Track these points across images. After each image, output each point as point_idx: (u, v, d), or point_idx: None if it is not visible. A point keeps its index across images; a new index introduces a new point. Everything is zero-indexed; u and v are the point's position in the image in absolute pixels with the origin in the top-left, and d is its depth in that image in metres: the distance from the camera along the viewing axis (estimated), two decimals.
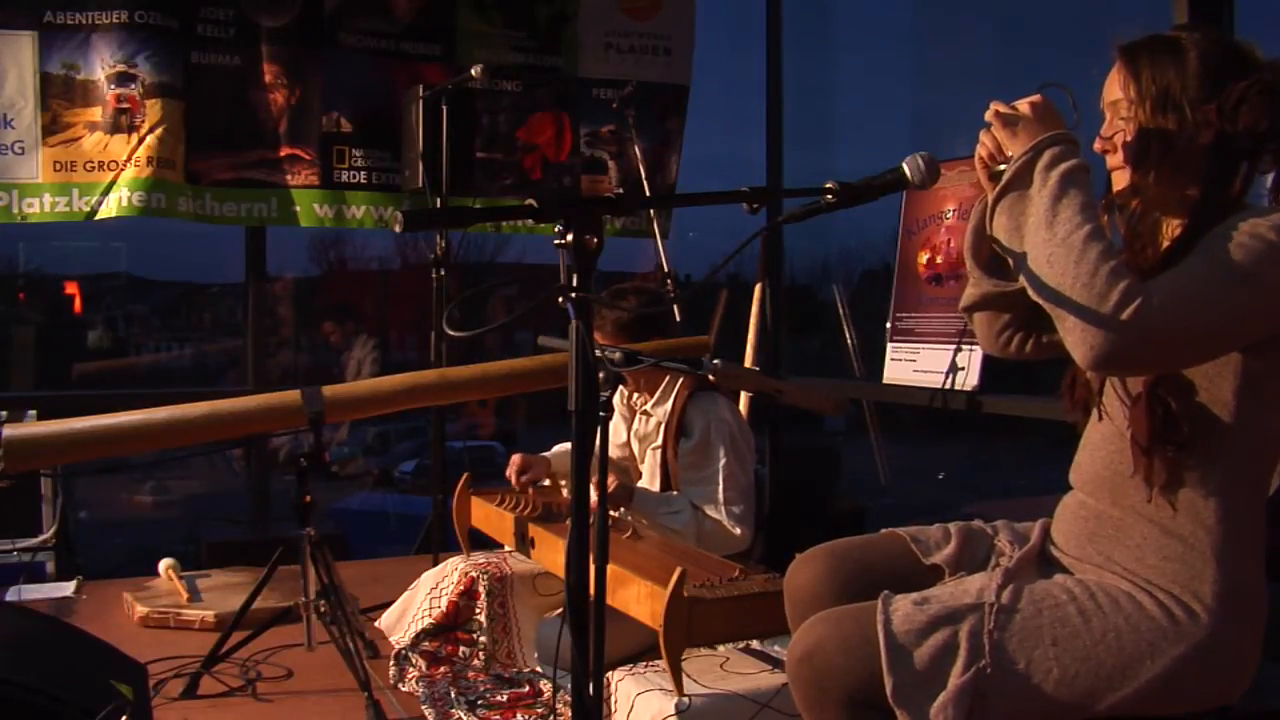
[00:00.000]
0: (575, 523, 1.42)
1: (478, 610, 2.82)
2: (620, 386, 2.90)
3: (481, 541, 3.05)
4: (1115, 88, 1.58)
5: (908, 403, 3.58)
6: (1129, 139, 1.55)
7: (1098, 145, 1.59)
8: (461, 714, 2.54)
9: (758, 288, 4.24)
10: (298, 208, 4.32)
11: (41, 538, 3.85)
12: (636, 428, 2.95)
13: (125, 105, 4.00)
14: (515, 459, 3.00)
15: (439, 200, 3.81)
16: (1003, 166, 1.59)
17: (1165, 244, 1.59)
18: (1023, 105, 1.56)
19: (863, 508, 4.86)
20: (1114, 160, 1.58)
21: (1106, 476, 1.58)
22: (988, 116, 1.59)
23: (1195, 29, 1.57)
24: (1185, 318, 1.39)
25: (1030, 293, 1.49)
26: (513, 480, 2.97)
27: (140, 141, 3.99)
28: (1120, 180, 1.59)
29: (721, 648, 2.38)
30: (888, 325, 3.65)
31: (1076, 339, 1.40)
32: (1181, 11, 2.63)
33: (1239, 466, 1.50)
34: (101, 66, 3.99)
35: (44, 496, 3.88)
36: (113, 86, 3.99)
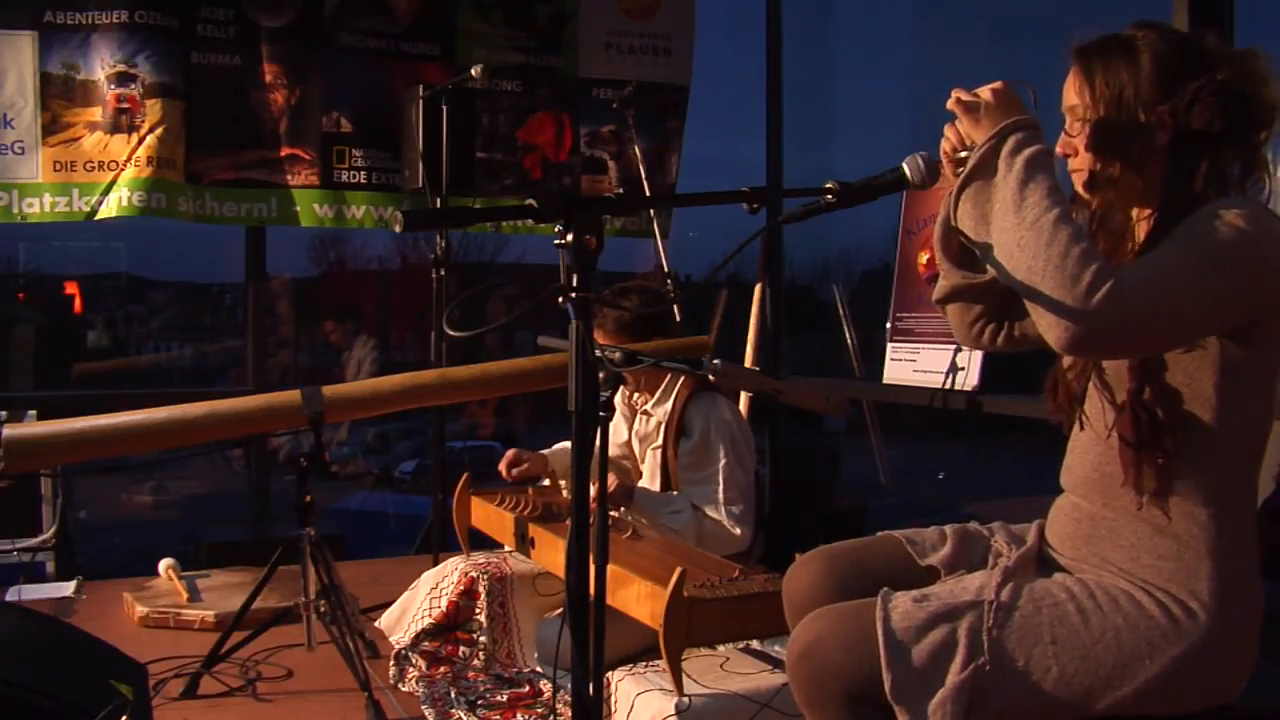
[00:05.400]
0: (575, 523, 1.42)
1: (478, 610, 2.82)
2: (621, 386, 2.90)
3: (481, 541, 3.05)
4: (1072, 92, 1.58)
5: (908, 403, 3.58)
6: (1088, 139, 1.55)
7: (1059, 149, 1.59)
8: (461, 714, 2.54)
9: (758, 288, 4.24)
10: (298, 208, 4.32)
11: (41, 538, 3.85)
12: (637, 427, 2.95)
13: (125, 105, 4.00)
14: (508, 454, 3.00)
15: (439, 200, 3.81)
16: (964, 154, 1.58)
17: (1132, 244, 1.59)
18: (984, 92, 1.55)
19: (863, 508, 4.85)
20: (1076, 164, 1.58)
21: (1096, 479, 1.58)
22: (949, 105, 1.57)
23: (1150, 27, 1.56)
24: (1158, 301, 1.39)
25: (1000, 279, 1.48)
26: (503, 473, 2.97)
27: (140, 141, 3.99)
28: (1082, 179, 1.58)
29: (721, 648, 2.38)
30: (888, 325, 3.65)
31: (1049, 323, 1.40)
32: (1182, 12, 2.62)
33: (1226, 461, 1.50)
34: (101, 66, 3.99)
35: (44, 496, 3.88)
36: (113, 86, 3.99)
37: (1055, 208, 1.42)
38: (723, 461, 2.70)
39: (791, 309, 4.94)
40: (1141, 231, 1.59)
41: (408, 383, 2.87)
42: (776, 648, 2.35)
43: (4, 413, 3.66)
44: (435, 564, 3.10)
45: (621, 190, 4.66)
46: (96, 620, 3.19)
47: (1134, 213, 1.62)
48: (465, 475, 3.10)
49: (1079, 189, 1.59)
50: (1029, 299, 1.42)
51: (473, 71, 3.56)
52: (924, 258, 3.56)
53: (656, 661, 2.22)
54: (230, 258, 4.82)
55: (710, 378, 2.44)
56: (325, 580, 2.65)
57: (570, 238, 1.40)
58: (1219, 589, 1.47)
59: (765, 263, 4.34)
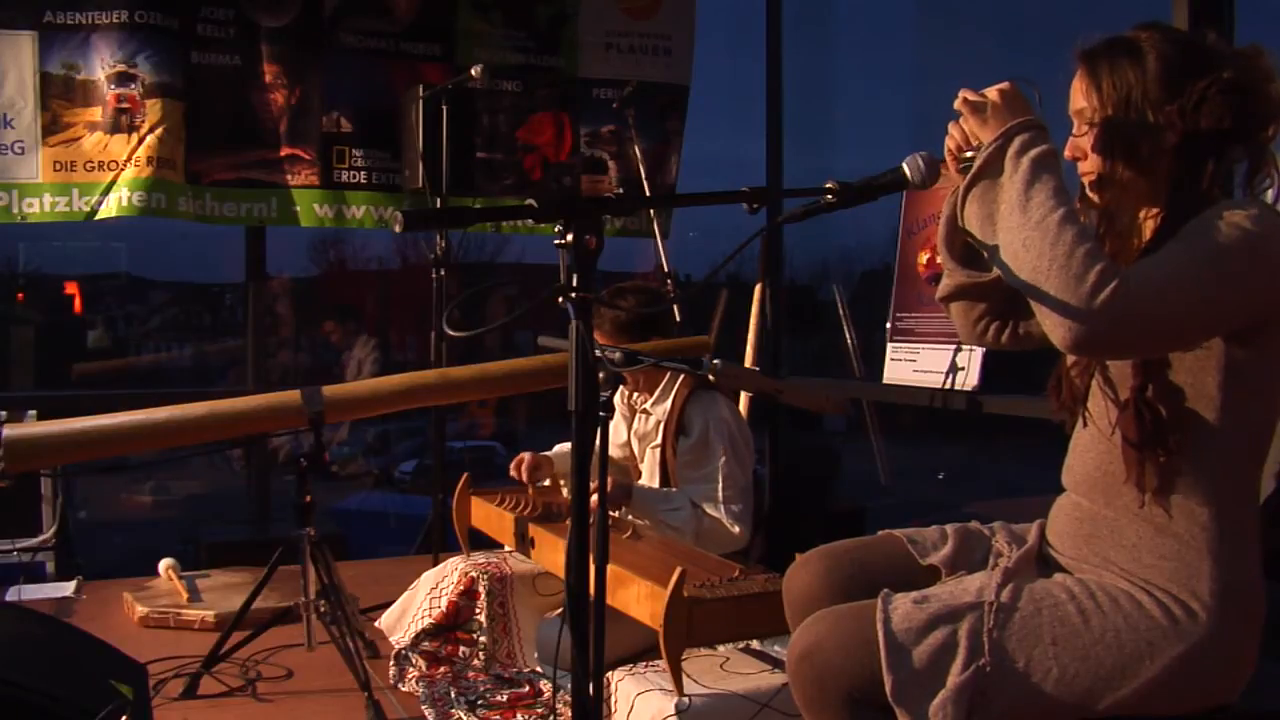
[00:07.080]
0: (575, 523, 1.42)
1: (478, 610, 2.82)
2: (620, 386, 2.89)
3: (481, 541, 3.05)
4: (1079, 96, 1.58)
5: (908, 403, 3.58)
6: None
7: (1068, 153, 1.59)
8: (461, 714, 2.54)
9: (758, 288, 4.24)
10: (298, 208, 4.32)
11: (41, 538, 3.85)
12: (636, 426, 2.95)
13: (125, 105, 4.00)
14: (526, 457, 2.96)
15: (439, 200, 3.81)
16: (970, 154, 1.58)
17: (1139, 243, 1.59)
18: (991, 93, 1.55)
19: (863, 508, 4.85)
20: (1085, 167, 1.59)
21: (1098, 478, 1.58)
22: (956, 105, 1.58)
23: (1154, 28, 1.56)
24: (1162, 302, 1.39)
25: (1006, 278, 1.49)
26: (524, 478, 2.94)
27: (140, 141, 3.99)
28: (1091, 181, 1.59)
29: (721, 648, 2.38)
30: (888, 325, 3.65)
31: (1054, 322, 1.40)
32: (1181, 12, 2.62)
33: (1228, 462, 1.51)
34: (101, 66, 3.99)
35: (44, 496, 3.88)
36: (113, 86, 3.99)
37: (1060, 207, 1.43)
38: (722, 460, 2.70)
39: (791, 309, 4.94)
40: (1148, 231, 1.59)
41: (408, 383, 2.87)
42: (776, 648, 2.35)
43: (4, 413, 3.65)
44: (435, 564, 3.10)
45: (621, 190, 4.66)
46: (96, 620, 3.19)
47: (1141, 213, 1.62)
48: (465, 475, 3.10)
49: (1088, 191, 1.60)
50: (1034, 299, 1.43)
51: (473, 71, 3.56)
52: (924, 258, 3.56)
53: (656, 661, 2.22)
54: (230, 258, 4.83)
55: (710, 377, 2.44)
56: (325, 580, 2.65)
57: (570, 238, 1.40)
58: (1220, 589, 1.47)
59: (765, 263, 4.34)
